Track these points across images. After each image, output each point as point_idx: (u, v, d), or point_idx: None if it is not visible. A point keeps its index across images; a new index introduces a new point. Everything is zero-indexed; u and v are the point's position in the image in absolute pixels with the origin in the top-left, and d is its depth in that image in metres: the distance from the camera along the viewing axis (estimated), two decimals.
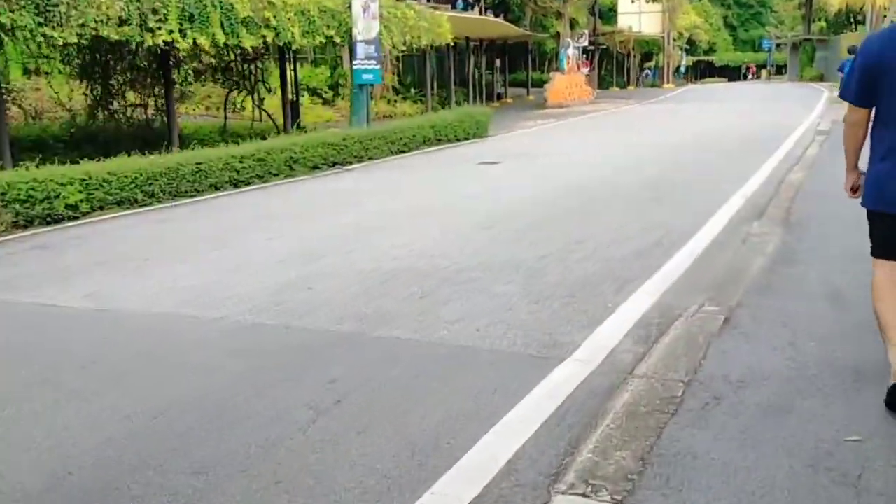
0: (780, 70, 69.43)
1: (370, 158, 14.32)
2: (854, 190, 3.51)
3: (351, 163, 13.77)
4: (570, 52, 32.22)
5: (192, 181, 10.49)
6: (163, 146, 12.34)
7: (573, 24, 33.91)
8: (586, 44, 35.31)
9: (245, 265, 6.14)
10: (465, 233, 7.14)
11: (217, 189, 10.91)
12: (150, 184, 9.89)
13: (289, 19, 13.38)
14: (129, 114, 14.62)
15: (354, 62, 14.73)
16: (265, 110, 17.58)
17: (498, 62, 38.20)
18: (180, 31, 11.37)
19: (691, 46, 74.42)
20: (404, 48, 17.10)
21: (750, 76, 74.59)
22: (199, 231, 7.93)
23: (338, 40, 14.67)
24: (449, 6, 24.38)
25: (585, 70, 40.02)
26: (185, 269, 6.12)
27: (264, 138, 13.01)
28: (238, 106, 17.37)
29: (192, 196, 10.39)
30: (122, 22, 10.64)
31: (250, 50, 13.22)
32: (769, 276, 5.19)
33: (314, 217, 8.44)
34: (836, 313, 4.36)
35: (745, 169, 10.51)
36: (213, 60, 16.30)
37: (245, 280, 5.67)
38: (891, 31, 3.23)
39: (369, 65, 15.04)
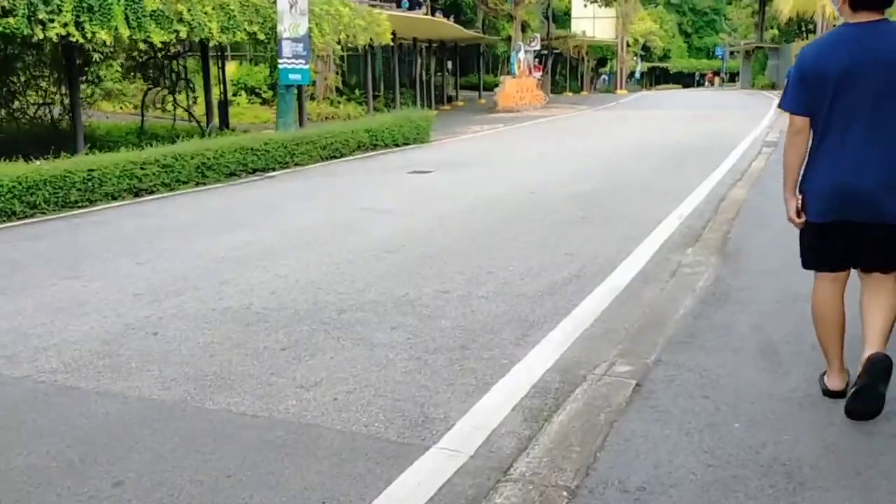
0: (733, 77, 70.07)
1: (297, 165, 13.40)
2: (799, 216, 3.27)
3: (274, 169, 12.83)
4: (522, 55, 31.59)
5: (82, 190, 9.45)
6: (67, 149, 11.33)
7: (525, 27, 33.31)
8: (538, 48, 34.76)
9: (93, 299, 5.20)
10: (365, 259, 6.28)
11: (114, 199, 9.89)
12: (32, 193, 8.84)
13: (206, 14, 12.38)
14: (32, 113, 13.42)
15: (280, 61, 13.75)
16: (188, 110, 16.50)
17: (450, 64, 37.53)
18: (77, 23, 10.31)
19: (646, 52, 74.81)
20: (339, 47, 16.18)
21: (706, 83, 75.20)
22: (66, 251, 6.94)
23: (262, 37, 13.69)
24: (393, 4, 23.53)
25: (538, 74, 39.53)
26: (19, 304, 5.15)
27: (174, 140, 12.00)
28: (167, 105, 16.24)
29: (82, 207, 9.36)
30: (5, 12, 9.55)
31: (162, 45, 12.17)
32: (695, 321, 4.44)
33: (204, 235, 7.51)
34: (769, 378, 3.61)
35: (685, 183, 9.87)
36: (138, 56, 15.20)
37: (82, 321, 4.74)
38: (830, 39, 3.18)
39: (297, 64, 14.10)
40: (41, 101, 13.60)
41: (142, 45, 13.54)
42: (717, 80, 70.92)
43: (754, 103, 31.76)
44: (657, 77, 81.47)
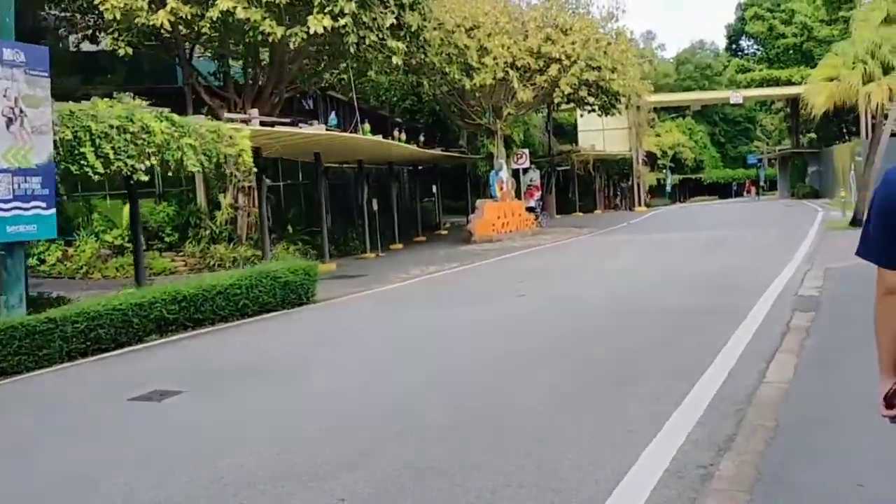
0: (774, 186, 64.62)
1: (7, 374, 7.96)
2: (890, 405, 2.16)
3: None
4: (504, 175, 26.49)
5: None
6: None
7: (509, 143, 28.37)
8: (526, 164, 29.69)
9: None
10: None
11: None
12: None
13: None
14: None
15: None
16: None
17: (435, 188, 32.81)
18: None
19: (676, 165, 70.15)
20: (145, 175, 11.00)
21: (745, 193, 69.80)
22: None
23: None
24: (316, 122, 18.68)
25: (536, 195, 34.44)
26: None
27: None
28: None
29: None
30: None
31: None
32: None
33: None
34: None
35: (628, 437, 3.98)
36: None
37: None
38: None
39: (27, 209, 8.85)
40: None
41: None
42: (753, 189, 65.26)
43: (792, 218, 25.87)
44: (691, 189, 76.47)
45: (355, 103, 19.25)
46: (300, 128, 16.54)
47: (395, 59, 18.26)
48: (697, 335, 7.39)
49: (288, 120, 17.08)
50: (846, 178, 31.88)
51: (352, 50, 17.61)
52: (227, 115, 15.38)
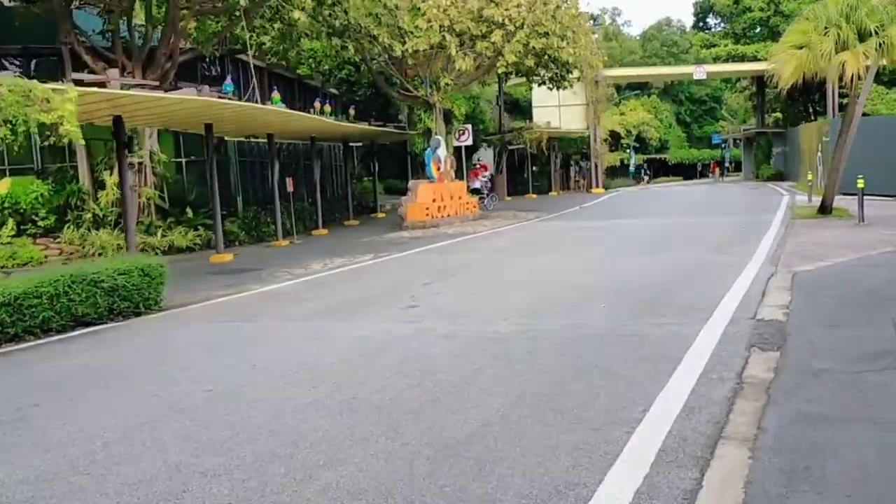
0: (739, 167, 62.90)
1: None
2: None
3: None
4: (441, 153, 23.87)
5: None
6: None
7: (449, 117, 25.73)
8: (469, 142, 27.12)
9: None
10: None
11: None
12: None
13: None
14: None
15: None
16: None
17: (373, 165, 30.11)
18: None
19: (641, 144, 68.10)
20: None
21: (710, 174, 68.03)
22: None
23: None
24: (205, 87, 15.85)
25: (486, 174, 32.00)
26: None
27: None
28: None
29: None
30: None
31: None
32: None
33: None
34: None
35: None
36: None
37: None
38: None
39: None
40: None
41: None
42: (717, 170, 63.39)
43: (755, 203, 23.67)
44: (656, 169, 74.59)
45: (251, 65, 16.45)
46: (168, 94, 13.76)
47: (296, 14, 15.52)
48: (603, 395, 4.94)
49: (154, 83, 14.26)
50: (813, 160, 29.85)
51: (242, 1, 14.84)
52: (73, 75, 12.55)
